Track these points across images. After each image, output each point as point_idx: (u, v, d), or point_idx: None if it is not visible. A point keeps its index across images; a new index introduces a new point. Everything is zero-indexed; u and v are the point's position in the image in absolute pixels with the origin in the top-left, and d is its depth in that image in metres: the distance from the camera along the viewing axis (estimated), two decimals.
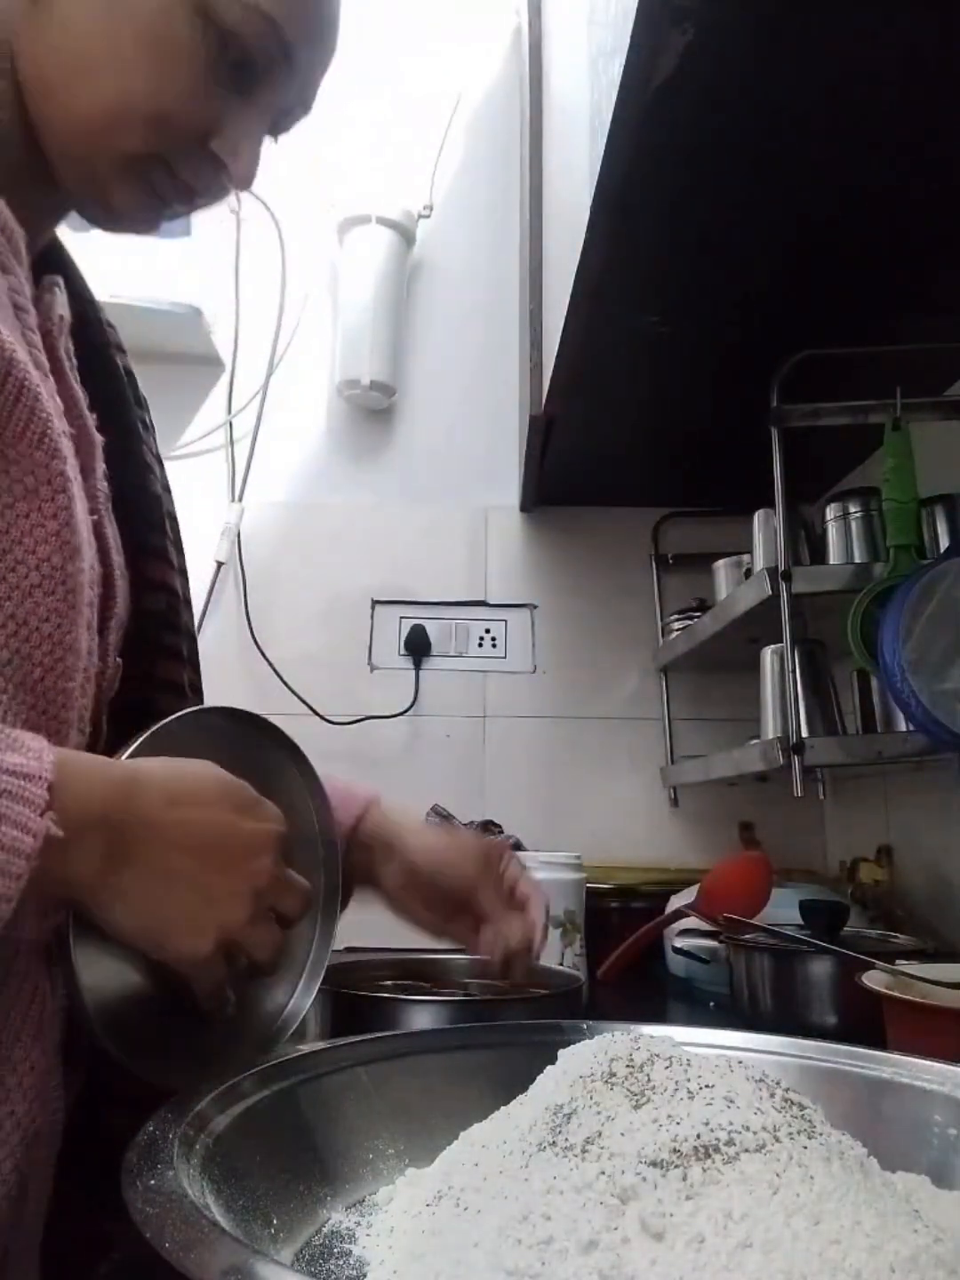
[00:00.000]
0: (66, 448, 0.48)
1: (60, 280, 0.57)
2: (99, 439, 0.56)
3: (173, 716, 0.52)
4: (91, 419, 0.56)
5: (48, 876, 0.40)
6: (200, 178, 0.55)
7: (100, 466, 0.56)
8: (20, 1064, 0.45)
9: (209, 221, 1.59)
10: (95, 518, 0.54)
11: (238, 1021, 0.54)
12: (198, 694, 0.68)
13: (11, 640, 0.44)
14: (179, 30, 0.51)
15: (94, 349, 0.63)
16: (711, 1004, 1.13)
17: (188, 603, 0.68)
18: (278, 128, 0.59)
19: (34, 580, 0.45)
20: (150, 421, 0.69)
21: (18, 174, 0.51)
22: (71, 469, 0.48)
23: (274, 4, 0.52)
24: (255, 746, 0.58)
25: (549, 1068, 0.46)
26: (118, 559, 0.58)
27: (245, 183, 0.56)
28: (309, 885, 0.52)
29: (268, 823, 0.50)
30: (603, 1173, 0.35)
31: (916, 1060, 0.50)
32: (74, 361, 0.57)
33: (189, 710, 0.54)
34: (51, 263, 0.60)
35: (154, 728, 0.51)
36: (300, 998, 0.59)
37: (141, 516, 0.62)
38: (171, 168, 0.54)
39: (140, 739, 0.50)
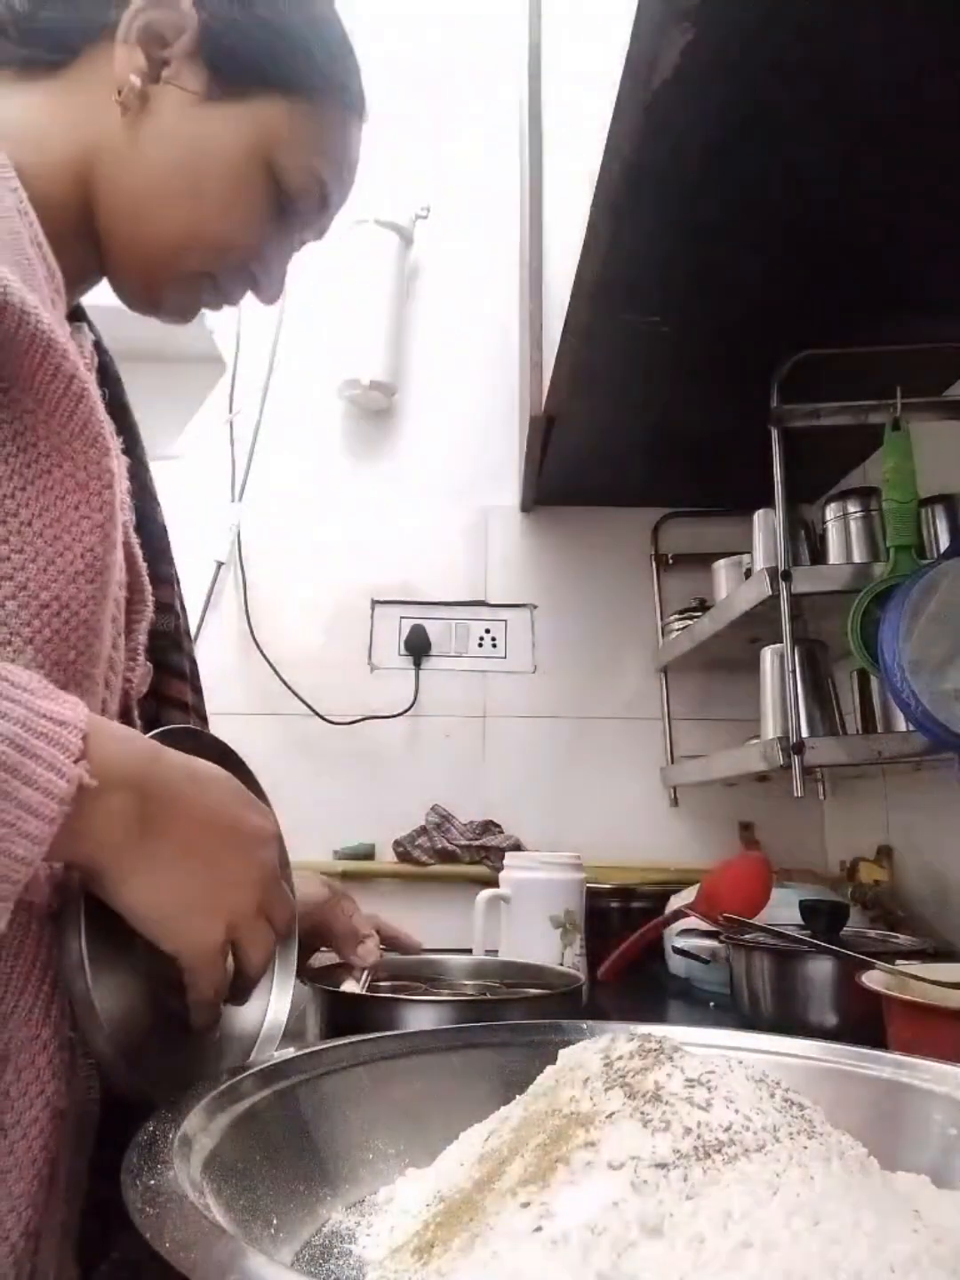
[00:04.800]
0: (114, 447, 0.51)
1: (85, 326, 0.63)
2: (125, 460, 0.59)
3: (154, 732, 0.51)
4: (118, 443, 0.59)
5: (76, 832, 0.40)
6: (238, 291, 0.66)
7: (125, 484, 0.59)
8: (51, 1043, 0.45)
9: None
10: (128, 519, 0.58)
11: (217, 1040, 0.53)
12: (200, 716, 0.71)
13: (53, 620, 0.46)
14: (250, 178, 0.60)
15: (111, 391, 0.67)
16: (711, 1004, 1.13)
17: (187, 631, 0.73)
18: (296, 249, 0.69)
19: (78, 566, 0.47)
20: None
21: (60, 248, 0.54)
22: (117, 467, 0.51)
23: (326, 169, 0.63)
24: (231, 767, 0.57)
25: (549, 1067, 0.46)
26: (143, 565, 0.61)
27: (273, 299, 0.67)
28: (293, 899, 0.53)
29: (269, 821, 0.52)
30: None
31: (917, 1060, 0.50)
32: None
33: (163, 729, 0.52)
34: (75, 313, 0.66)
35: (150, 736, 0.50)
36: (274, 1012, 0.57)
37: (151, 543, 0.65)
38: (217, 282, 0.63)
39: None
